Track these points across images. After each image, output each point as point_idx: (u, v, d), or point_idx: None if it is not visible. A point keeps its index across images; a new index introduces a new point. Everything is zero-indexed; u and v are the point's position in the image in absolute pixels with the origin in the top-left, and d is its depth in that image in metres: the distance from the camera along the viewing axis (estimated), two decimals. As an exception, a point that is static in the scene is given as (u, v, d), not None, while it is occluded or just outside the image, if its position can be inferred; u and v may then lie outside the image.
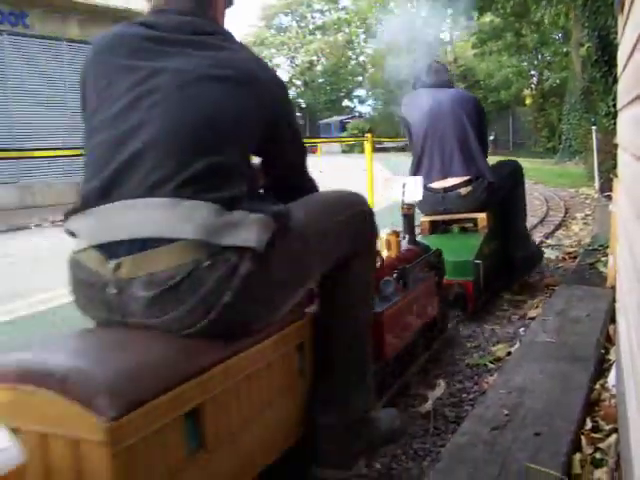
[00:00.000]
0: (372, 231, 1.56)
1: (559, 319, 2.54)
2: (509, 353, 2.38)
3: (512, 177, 3.32)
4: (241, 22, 57.54)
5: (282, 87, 1.38)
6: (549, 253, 4.04)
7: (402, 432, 1.67)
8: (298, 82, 42.74)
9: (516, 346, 2.40)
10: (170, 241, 1.12)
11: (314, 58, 37.58)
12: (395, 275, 1.98)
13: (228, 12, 1.47)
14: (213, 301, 1.13)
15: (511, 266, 3.32)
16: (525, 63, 25.21)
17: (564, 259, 4.14)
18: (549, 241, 4.91)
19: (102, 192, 1.17)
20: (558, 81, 22.38)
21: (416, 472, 1.62)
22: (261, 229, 1.16)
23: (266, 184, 1.44)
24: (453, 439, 1.61)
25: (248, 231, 1.15)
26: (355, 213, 1.49)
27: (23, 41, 10.38)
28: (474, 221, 3.15)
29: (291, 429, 1.39)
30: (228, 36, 1.34)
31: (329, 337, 1.46)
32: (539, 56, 24.83)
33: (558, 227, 5.72)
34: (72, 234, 1.22)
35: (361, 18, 36.75)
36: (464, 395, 2.09)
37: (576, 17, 11.09)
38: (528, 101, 25.71)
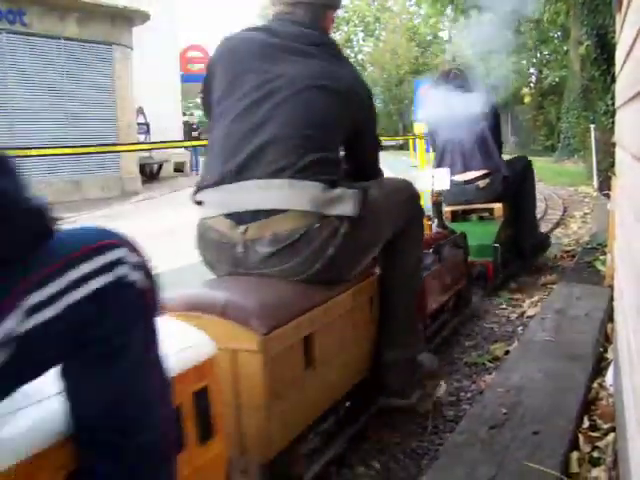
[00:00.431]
0: (421, 210, 1.93)
1: (557, 318, 2.54)
2: (507, 352, 2.38)
3: (524, 172, 3.66)
4: (240, 20, 57.53)
5: (371, 98, 1.74)
6: (548, 251, 4.04)
7: (437, 371, 2.12)
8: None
9: (514, 345, 2.40)
10: (288, 211, 1.46)
11: (313, 56, 37.50)
12: (432, 250, 2.38)
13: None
14: (320, 254, 1.48)
15: (521, 252, 3.67)
16: (524, 61, 25.14)
17: (562, 257, 4.13)
18: (547, 239, 4.90)
19: (236, 173, 1.49)
20: (557, 79, 22.27)
21: (414, 470, 1.62)
22: (356, 202, 1.51)
23: (346, 171, 1.72)
24: (451, 438, 1.61)
25: (347, 203, 1.50)
26: (410, 195, 1.84)
27: (21, 39, 10.35)
28: (490, 211, 3.51)
29: (365, 362, 1.75)
30: (336, 49, 1.68)
31: (390, 293, 1.80)
32: (538, 54, 24.77)
33: (557, 225, 5.71)
34: (198, 203, 1.58)
35: (359, 17, 36.68)
36: (462, 394, 2.08)
37: (575, 15, 11.07)
38: (527, 99, 25.64)
